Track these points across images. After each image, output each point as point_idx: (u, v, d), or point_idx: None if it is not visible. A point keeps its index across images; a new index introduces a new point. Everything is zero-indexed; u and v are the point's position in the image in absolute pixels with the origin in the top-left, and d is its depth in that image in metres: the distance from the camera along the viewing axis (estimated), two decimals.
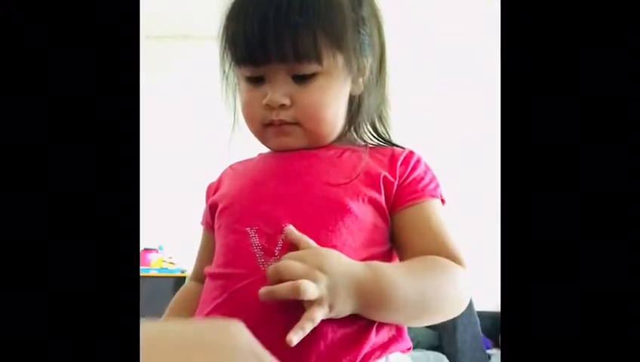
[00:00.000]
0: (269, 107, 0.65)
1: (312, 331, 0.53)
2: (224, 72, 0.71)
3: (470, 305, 2.58)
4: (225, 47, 0.68)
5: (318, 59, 0.63)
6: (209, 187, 0.77)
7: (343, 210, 0.62)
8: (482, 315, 2.64)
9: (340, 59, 0.65)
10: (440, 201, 0.68)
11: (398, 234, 0.65)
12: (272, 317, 0.55)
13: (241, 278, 0.60)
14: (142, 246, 2.83)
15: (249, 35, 0.62)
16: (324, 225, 0.61)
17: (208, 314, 0.61)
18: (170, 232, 3.13)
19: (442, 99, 3.20)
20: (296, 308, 0.54)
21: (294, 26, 0.61)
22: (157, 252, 3.03)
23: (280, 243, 0.60)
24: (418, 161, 0.69)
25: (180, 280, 2.87)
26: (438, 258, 0.62)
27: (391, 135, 0.75)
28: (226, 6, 0.68)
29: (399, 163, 0.68)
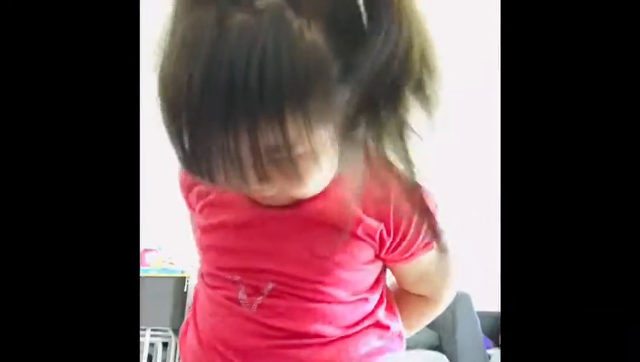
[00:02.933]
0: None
1: None
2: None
3: (470, 305, 2.58)
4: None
5: (296, 146, 0.45)
6: (182, 177, 0.68)
7: (332, 275, 0.60)
8: (482, 315, 2.64)
9: (326, 133, 0.46)
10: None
11: (397, 279, 0.70)
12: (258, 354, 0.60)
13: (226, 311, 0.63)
14: (141, 247, 2.82)
15: (190, 154, 0.43)
16: (315, 290, 0.60)
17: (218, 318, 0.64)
18: (170, 232, 3.13)
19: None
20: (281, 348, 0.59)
21: (255, 120, 0.41)
22: (156, 252, 3.03)
23: (262, 297, 0.61)
24: (409, 226, 0.60)
25: (179, 281, 2.87)
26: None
27: None
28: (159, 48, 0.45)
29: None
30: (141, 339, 2.71)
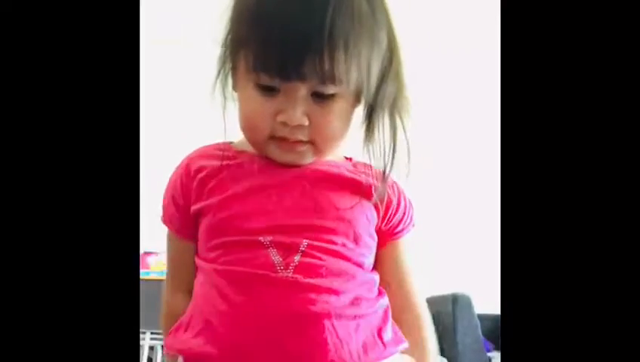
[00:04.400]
0: (284, 124, 0.63)
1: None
2: (220, 68, 0.67)
3: (470, 308, 2.57)
4: (237, 45, 0.64)
5: (346, 82, 0.61)
6: (179, 187, 0.70)
7: (354, 231, 0.65)
8: (483, 318, 2.63)
9: (360, 81, 0.63)
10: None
11: (379, 264, 0.71)
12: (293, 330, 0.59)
13: (261, 281, 0.61)
14: (142, 250, 2.82)
15: (285, 47, 0.58)
16: (342, 244, 0.64)
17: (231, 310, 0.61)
18: None
19: (440, 99, 3.20)
20: (314, 323, 0.59)
21: (334, 45, 0.58)
22: (157, 255, 3.03)
23: (299, 255, 0.62)
24: (401, 192, 0.73)
25: None
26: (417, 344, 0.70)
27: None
28: (239, 3, 0.64)
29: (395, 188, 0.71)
30: (141, 342, 2.71)
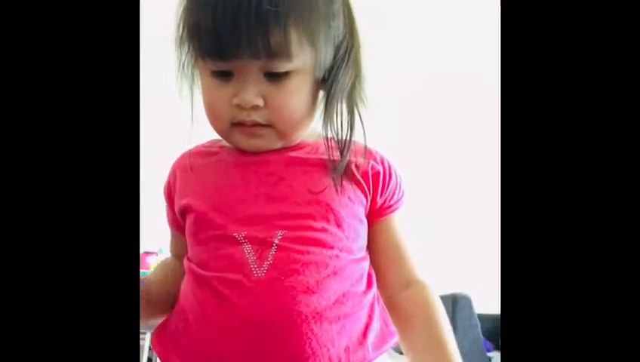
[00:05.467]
0: (240, 107, 0.62)
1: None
2: (181, 63, 0.67)
3: (470, 308, 2.57)
4: (186, 38, 0.64)
5: (290, 57, 0.60)
6: (167, 185, 0.73)
7: (333, 213, 0.63)
8: (482, 318, 2.63)
9: (311, 57, 0.62)
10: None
11: (372, 244, 0.69)
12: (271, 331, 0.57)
13: (234, 286, 0.59)
14: (142, 249, 2.82)
15: (219, 25, 0.58)
16: (322, 229, 0.61)
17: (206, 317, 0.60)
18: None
19: (439, 94, 3.20)
20: (298, 325, 0.56)
21: (266, 20, 0.57)
22: (157, 255, 3.03)
23: (273, 250, 0.59)
24: (391, 165, 0.71)
25: None
26: (426, 319, 0.67)
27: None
28: None
29: (380, 159, 0.69)
30: (141, 343, 2.70)
